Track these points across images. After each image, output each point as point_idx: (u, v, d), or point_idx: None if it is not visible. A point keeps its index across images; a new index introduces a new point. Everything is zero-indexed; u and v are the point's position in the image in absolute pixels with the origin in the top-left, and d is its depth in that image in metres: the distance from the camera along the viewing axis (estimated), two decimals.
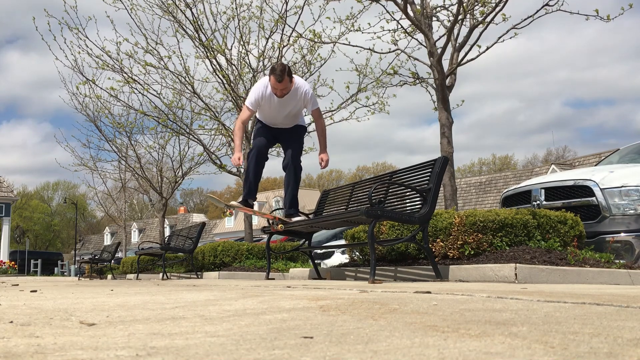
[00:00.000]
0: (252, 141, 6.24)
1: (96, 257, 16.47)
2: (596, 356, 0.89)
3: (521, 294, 2.23)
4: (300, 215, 6.10)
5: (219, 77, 10.97)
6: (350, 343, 1.05)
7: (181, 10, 10.68)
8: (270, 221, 5.97)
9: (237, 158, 5.90)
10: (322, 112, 11.60)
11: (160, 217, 17.75)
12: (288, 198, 6.09)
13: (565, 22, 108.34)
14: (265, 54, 10.96)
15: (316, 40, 9.47)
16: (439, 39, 7.69)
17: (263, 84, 5.95)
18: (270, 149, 6.43)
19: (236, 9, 10.82)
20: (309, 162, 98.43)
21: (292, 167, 6.01)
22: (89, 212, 72.69)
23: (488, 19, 7.14)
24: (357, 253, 6.42)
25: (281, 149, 6.49)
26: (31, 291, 3.34)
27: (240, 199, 5.99)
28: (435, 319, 1.38)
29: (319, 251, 10.50)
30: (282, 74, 5.60)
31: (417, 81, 8.46)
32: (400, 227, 5.24)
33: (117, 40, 11.34)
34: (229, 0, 10.83)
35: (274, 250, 7.69)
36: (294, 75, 5.85)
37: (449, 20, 7.79)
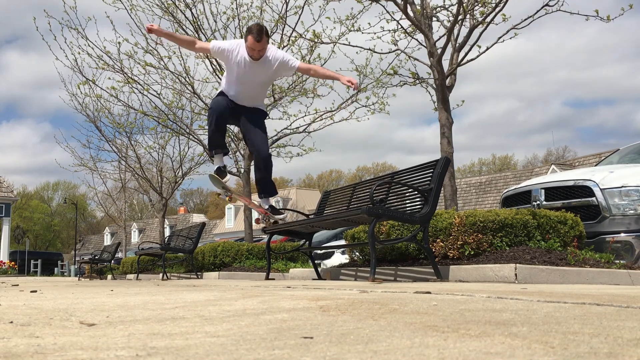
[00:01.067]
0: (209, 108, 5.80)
1: (96, 258, 16.47)
2: (596, 356, 0.89)
3: (521, 294, 2.23)
4: (281, 213, 5.84)
5: (219, 77, 10.97)
6: (350, 343, 1.05)
7: (181, 11, 10.68)
8: (262, 216, 5.82)
9: (151, 25, 5.40)
10: (323, 112, 11.66)
11: (160, 217, 17.76)
12: (261, 183, 5.74)
13: (565, 22, 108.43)
14: None
15: (316, 40, 9.48)
16: (439, 39, 7.69)
17: (237, 42, 5.55)
18: (227, 125, 6.08)
19: (236, 9, 10.82)
20: (309, 162, 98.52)
21: (262, 160, 5.66)
22: (89, 213, 72.72)
23: (488, 19, 7.14)
24: (357, 253, 6.42)
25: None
26: (31, 291, 3.34)
27: (214, 167, 5.78)
28: (435, 319, 1.38)
29: (319, 251, 10.50)
30: (261, 33, 5.22)
31: (417, 81, 8.46)
32: (400, 227, 5.24)
33: (117, 40, 11.35)
34: (229, 0, 10.84)
35: (274, 250, 7.70)
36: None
37: (449, 21, 7.79)
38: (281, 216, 5.83)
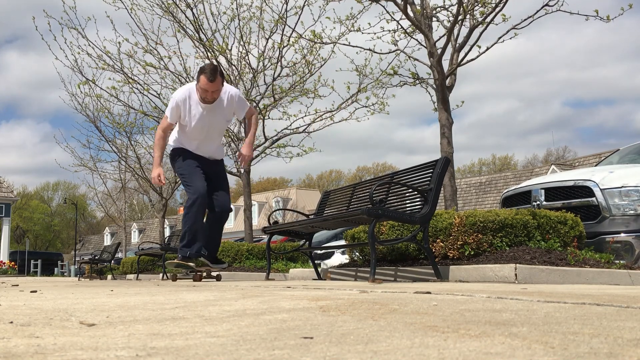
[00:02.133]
0: (183, 179, 5.30)
1: (96, 258, 16.47)
2: (596, 356, 0.89)
3: (521, 294, 2.23)
4: (217, 268, 5.57)
5: None
6: (350, 343, 1.05)
7: (181, 10, 10.68)
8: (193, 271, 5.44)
9: (156, 175, 5.21)
10: (323, 112, 11.66)
11: (160, 217, 17.76)
12: (213, 243, 5.46)
13: (565, 22, 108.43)
14: (265, 54, 10.97)
15: (316, 40, 9.48)
16: (439, 39, 7.69)
17: (187, 89, 5.15)
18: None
19: (236, 9, 10.83)
20: (310, 162, 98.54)
21: (225, 214, 5.46)
22: (89, 213, 72.71)
23: (488, 20, 7.14)
24: (357, 253, 6.42)
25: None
26: (31, 291, 3.34)
27: (187, 255, 5.26)
28: (435, 319, 1.38)
29: (319, 251, 10.50)
30: (215, 73, 4.86)
31: (417, 81, 8.46)
32: (400, 228, 5.24)
33: (117, 40, 11.36)
34: (229, 0, 10.84)
35: (274, 250, 7.69)
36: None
37: (449, 21, 7.79)
38: (223, 265, 5.72)
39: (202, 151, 5.39)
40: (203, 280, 5.48)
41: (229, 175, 7.95)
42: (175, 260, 5.36)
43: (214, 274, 5.76)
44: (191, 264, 5.31)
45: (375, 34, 8.58)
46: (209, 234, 5.45)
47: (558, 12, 6.94)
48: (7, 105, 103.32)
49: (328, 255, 10.77)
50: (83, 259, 26.48)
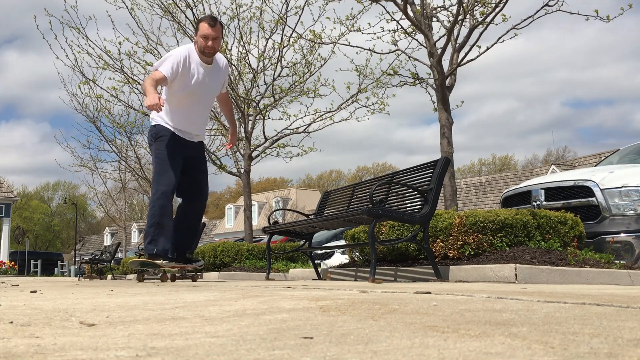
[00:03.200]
0: (158, 165, 4.82)
1: (96, 258, 16.47)
2: (596, 356, 0.89)
3: (521, 294, 2.22)
4: (192, 266, 5.13)
5: None
6: (350, 343, 1.05)
7: (181, 10, 10.68)
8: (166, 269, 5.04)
9: (156, 98, 4.29)
10: (323, 112, 11.66)
11: None
12: (188, 239, 5.06)
13: (564, 22, 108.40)
14: (265, 54, 10.97)
15: (316, 40, 9.48)
16: (439, 39, 7.69)
17: (185, 48, 4.77)
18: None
19: (236, 9, 10.83)
20: (310, 162, 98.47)
21: (204, 203, 5.13)
22: (89, 213, 72.74)
23: (488, 20, 7.14)
24: (357, 253, 6.42)
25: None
26: (31, 291, 3.34)
27: (154, 253, 4.86)
28: (435, 319, 1.38)
29: (319, 251, 10.50)
30: (215, 19, 4.65)
31: (417, 82, 8.46)
32: (400, 228, 5.24)
33: (118, 40, 11.35)
34: (229, 0, 10.85)
35: (274, 250, 7.69)
36: None
37: (449, 21, 7.79)
38: (199, 264, 5.29)
39: (191, 126, 4.94)
40: (177, 280, 5.12)
41: (229, 176, 7.91)
42: (141, 259, 4.95)
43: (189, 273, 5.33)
44: (158, 262, 4.87)
45: (375, 34, 8.58)
46: (183, 228, 5.05)
47: (558, 12, 6.94)
48: (7, 105, 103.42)
49: (328, 255, 10.77)
50: (83, 259, 26.48)
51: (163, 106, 4.35)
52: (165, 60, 4.69)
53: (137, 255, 12.65)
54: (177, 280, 5.08)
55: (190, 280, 5.32)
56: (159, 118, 4.95)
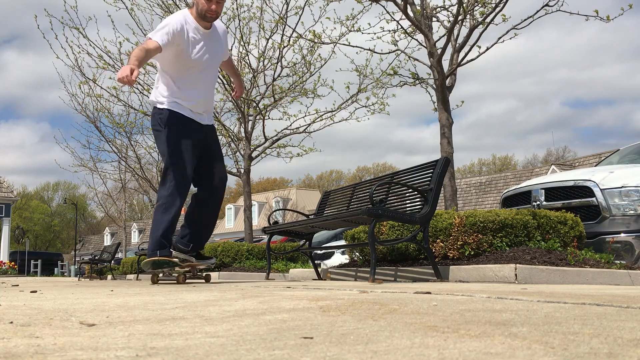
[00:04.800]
0: (175, 158, 4.31)
1: (96, 258, 16.46)
2: (596, 356, 0.89)
3: (521, 294, 2.22)
4: (204, 263, 4.70)
5: (218, 77, 10.98)
6: (350, 343, 1.05)
7: None
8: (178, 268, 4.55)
9: (127, 70, 3.71)
10: (323, 112, 11.66)
11: None
12: (204, 230, 4.62)
13: (564, 21, 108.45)
14: (265, 54, 10.97)
15: (316, 40, 9.48)
16: (439, 39, 7.69)
17: (180, 13, 4.34)
18: None
19: (236, 9, 10.83)
20: (310, 162, 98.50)
21: (224, 188, 4.65)
22: (89, 213, 72.75)
23: (488, 20, 7.14)
24: (357, 253, 6.42)
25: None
26: (31, 291, 3.34)
27: (159, 252, 4.33)
28: (435, 319, 1.38)
29: (319, 252, 10.50)
30: None
31: (417, 82, 8.46)
32: (400, 228, 5.24)
33: (118, 40, 11.36)
34: (229, 0, 10.84)
35: (274, 250, 7.70)
36: None
37: (449, 21, 7.79)
38: (211, 261, 4.85)
39: (199, 105, 4.45)
40: (188, 281, 4.66)
41: (229, 176, 7.90)
42: (154, 258, 4.31)
43: (200, 272, 4.87)
44: (175, 259, 4.43)
45: (375, 34, 8.59)
46: (196, 222, 4.60)
47: (558, 12, 6.94)
48: (6, 105, 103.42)
49: (328, 256, 10.76)
50: (83, 259, 26.49)
51: (134, 81, 3.77)
52: (159, 29, 4.17)
53: (137, 255, 12.63)
54: (188, 281, 4.63)
55: (204, 280, 4.89)
56: (164, 99, 4.37)
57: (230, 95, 10.78)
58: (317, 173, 77.22)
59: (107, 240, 58.84)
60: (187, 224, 4.63)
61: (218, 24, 4.56)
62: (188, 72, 4.35)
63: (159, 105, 4.40)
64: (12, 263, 25.99)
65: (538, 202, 5.94)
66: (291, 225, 5.84)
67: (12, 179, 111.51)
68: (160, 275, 4.61)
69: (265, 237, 6.38)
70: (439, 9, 8.04)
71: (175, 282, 4.51)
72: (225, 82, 10.80)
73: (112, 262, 15.71)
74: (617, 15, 6.85)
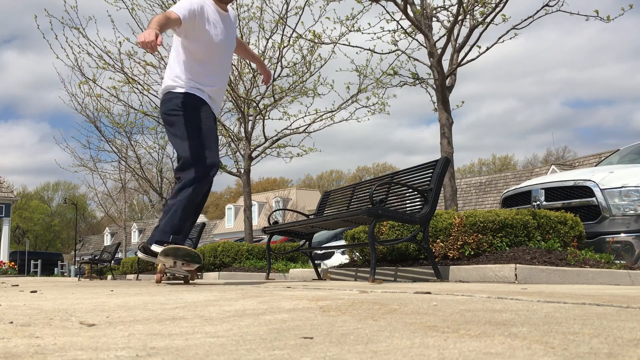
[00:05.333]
0: (197, 139, 3.96)
1: (96, 258, 16.47)
2: (596, 356, 0.89)
3: (521, 294, 2.22)
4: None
5: None
6: (350, 343, 1.05)
7: None
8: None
9: (152, 35, 3.45)
10: (323, 112, 11.66)
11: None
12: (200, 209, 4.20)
13: (564, 21, 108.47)
14: (265, 54, 10.97)
15: (316, 40, 9.48)
16: (439, 39, 7.69)
17: None
18: None
19: (237, 9, 10.83)
20: (310, 162, 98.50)
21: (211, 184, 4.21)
22: (89, 213, 72.76)
23: (488, 20, 7.14)
24: (357, 253, 6.42)
25: None
26: (31, 291, 3.34)
27: (168, 246, 3.95)
28: (435, 319, 1.38)
29: (319, 252, 10.50)
30: None
31: (417, 82, 8.47)
32: (400, 228, 5.24)
33: (118, 40, 11.37)
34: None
35: (274, 250, 7.69)
36: None
37: (449, 21, 7.79)
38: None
39: (220, 92, 4.21)
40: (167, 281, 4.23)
41: (229, 176, 7.88)
42: (180, 246, 3.96)
43: (182, 274, 4.43)
44: (195, 252, 4.11)
45: (375, 34, 8.59)
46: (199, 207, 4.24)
47: (558, 12, 6.94)
48: (6, 105, 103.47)
49: (328, 256, 10.76)
50: (83, 259, 26.49)
51: (159, 46, 3.52)
52: (181, 4, 3.96)
53: (137, 255, 12.63)
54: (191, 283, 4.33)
55: (183, 282, 4.57)
56: (183, 83, 4.06)
57: (231, 95, 10.78)
58: (317, 173, 77.26)
59: (107, 240, 58.84)
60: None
61: (229, 8, 4.35)
62: (208, 54, 4.09)
63: (177, 90, 4.08)
64: (12, 263, 25.99)
65: (538, 202, 5.94)
66: (291, 225, 5.84)
67: (12, 179, 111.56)
68: (167, 274, 4.26)
69: (265, 237, 6.37)
70: (439, 9, 8.04)
71: (182, 282, 4.26)
72: None
73: (112, 262, 15.71)
74: (617, 15, 6.85)
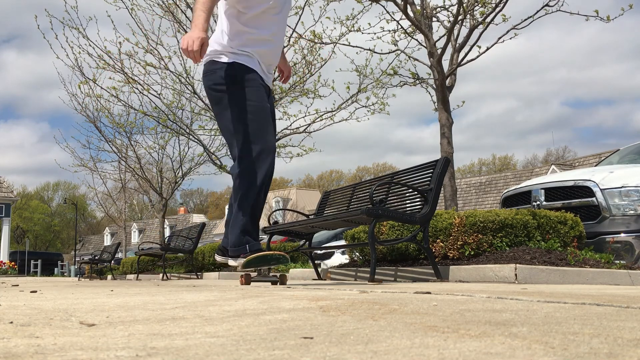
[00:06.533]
0: (250, 121, 3.38)
1: (96, 258, 16.46)
2: (596, 356, 0.89)
3: (521, 294, 2.22)
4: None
5: None
6: (350, 343, 1.05)
7: (182, 10, 10.68)
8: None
9: (198, 44, 3.13)
10: (323, 112, 11.67)
11: (160, 217, 17.76)
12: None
13: (564, 21, 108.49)
14: None
15: (316, 40, 9.48)
16: (439, 39, 7.70)
17: None
18: None
19: None
20: (310, 162, 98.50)
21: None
22: (89, 213, 72.76)
23: (488, 20, 7.14)
24: (357, 253, 6.42)
25: None
26: (31, 291, 3.34)
27: (252, 251, 3.52)
28: (435, 319, 1.38)
29: (319, 252, 10.50)
30: None
31: (417, 82, 8.47)
32: (400, 228, 5.24)
33: (118, 40, 11.36)
34: None
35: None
36: None
37: (449, 21, 7.79)
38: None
39: (273, 61, 3.64)
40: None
41: (229, 176, 7.87)
42: (267, 252, 3.64)
43: (271, 280, 4.10)
44: (278, 256, 3.73)
45: (375, 34, 8.59)
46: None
47: (558, 12, 6.94)
48: (5, 105, 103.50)
49: (328, 256, 10.76)
50: (83, 259, 26.50)
51: (200, 59, 3.19)
52: None
53: (137, 255, 12.61)
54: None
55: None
56: (233, 50, 3.47)
57: None
58: (317, 173, 77.24)
59: (107, 240, 58.85)
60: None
61: None
62: (261, 16, 3.49)
63: (222, 59, 3.48)
64: (12, 263, 25.99)
65: (538, 202, 5.94)
66: (291, 225, 5.84)
67: (12, 179, 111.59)
68: (254, 274, 3.87)
69: (265, 237, 6.37)
70: (439, 9, 8.04)
71: (274, 282, 3.89)
72: None
73: (112, 262, 15.71)
74: (617, 15, 6.85)
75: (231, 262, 3.62)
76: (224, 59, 3.48)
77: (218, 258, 3.79)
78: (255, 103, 3.43)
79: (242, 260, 3.53)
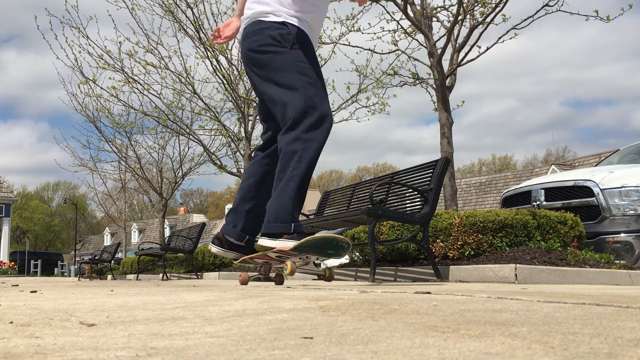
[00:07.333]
0: (304, 87, 2.96)
1: (96, 258, 16.46)
2: (596, 356, 0.89)
3: (521, 294, 2.22)
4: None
5: (219, 78, 10.98)
6: (350, 343, 1.05)
7: (182, 10, 10.68)
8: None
9: (235, 28, 3.13)
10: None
11: (160, 217, 17.76)
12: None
13: (564, 21, 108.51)
14: None
15: None
16: (439, 39, 7.70)
17: None
18: None
19: None
20: None
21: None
22: (89, 213, 72.77)
23: (488, 20, 7.14)
24: (357, 253, 6.41)
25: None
26: (31, 291, 3.34)
27: (294, 238, 2.95)
28: (435, 319, 1.38)
29: None
30: None
31: (417, 82, 8.47)
32: (400, 228, 5.24)
33: (118, 39, 11.36)
34: (229, 0, 10.84)
35: None
36: None
37: (449, 21, 7.79)
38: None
39: (319, 23, 3.27)
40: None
41: (229, 176, 7.86)
42: (318, 236, 3.07)
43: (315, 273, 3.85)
44: (341, 242, 3.22)
45: (375, 34, 8.60)
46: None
47: (558, 12, 6.94)
48: (5, 105, 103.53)
49: None
50: (83, 259, 26.50)
51: (223, 41, 3.04)
52: None
53: (137, 255, 12.61)
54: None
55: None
56: (283, 9, 3.06)
57: (231, 95, 10.78)
58: (317, 173, 77.14)
59: (107, 240, 58.84)
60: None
61: None
62: None
63: (270, 18, 3.07)
64: (12, 263, 25.99)
65: (538, 202, 5.94)
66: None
67: (12, 179, 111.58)
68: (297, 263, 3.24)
69: None
70: (439, 9, 8.05)
71: (322, 278, 3.25)
72: (225, 82, 10.79)
73: (112, 262, 15.71)
74: (617, 15, 6.85)
75: (268, 243, 2.96)
76: (273, 18, 3.06)
77: (214, 249, 3.30)
78: (313, 67, 3.05)
79: (288, 243, 2.93)
